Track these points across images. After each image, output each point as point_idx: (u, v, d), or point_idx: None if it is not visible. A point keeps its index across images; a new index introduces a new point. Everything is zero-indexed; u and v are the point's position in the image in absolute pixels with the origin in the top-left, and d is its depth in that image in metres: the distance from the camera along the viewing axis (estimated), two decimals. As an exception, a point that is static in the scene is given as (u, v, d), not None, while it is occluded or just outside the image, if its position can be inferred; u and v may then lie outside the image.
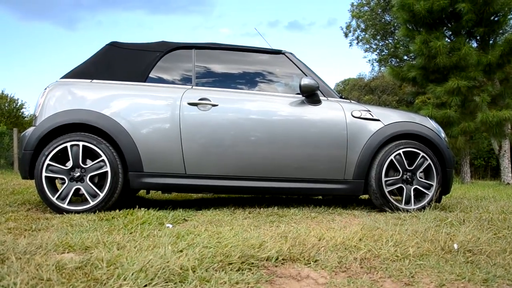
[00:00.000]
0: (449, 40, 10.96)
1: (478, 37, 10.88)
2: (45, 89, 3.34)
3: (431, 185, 3.46)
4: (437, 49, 9.87)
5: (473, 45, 10.67)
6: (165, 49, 3.51)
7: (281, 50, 3.64)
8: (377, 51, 23.74)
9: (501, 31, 11.24)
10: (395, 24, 19.35)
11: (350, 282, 1.61)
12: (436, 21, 10.54)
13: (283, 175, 3.34)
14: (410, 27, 11.07)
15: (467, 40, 10.60)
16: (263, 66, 3.71)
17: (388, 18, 21.37)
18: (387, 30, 21.69)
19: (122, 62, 3.50)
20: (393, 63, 22.10)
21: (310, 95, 3.41)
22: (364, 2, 22.32)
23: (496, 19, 10.42)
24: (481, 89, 10.42)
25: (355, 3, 23.22)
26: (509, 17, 10.49)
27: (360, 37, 23.44)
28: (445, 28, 11.04)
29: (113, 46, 3.57)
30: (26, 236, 2.25)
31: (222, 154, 3.27)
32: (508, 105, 10.14)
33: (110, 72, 3.45)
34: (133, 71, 3.43)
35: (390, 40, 22.72)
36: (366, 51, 24.23)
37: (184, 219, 2.91)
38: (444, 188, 3.56)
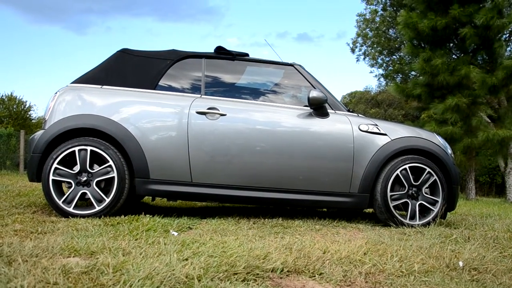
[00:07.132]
0: (455, 57, 10.96)
1: (482, 57, 10.89)
2: (56, 93, 3.37)
3: (437, 201, 3.45)
4: (439, 67, 9.92)
5: (477, 64, 10.66)
6: (175, 57, 3.54)
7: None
8: (384, 66, 23.71)
9: (509, 51, 11.24)
10: (401, 41, 19.36)
11: (355, 297, 1.61)
12: (439, 39, 10.56)
13: (288, 187, 3.34)
14: (415, 44, 11.12)
15: (473, 58, 10.60)
16: (272, 77, 3.73)
17: (393, 34, 21.36)
18: (392, 47, 21.66)
19: (132, 69, 3.53)
20: (398, 79, 22.07)
21: (318, 108, 3.43)
22: (367, 17, 22.25)
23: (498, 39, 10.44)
24: (482, 108, 10.44)
25: (362, 13, 23.15)
26: (503, 38, 10.45)
27: (366, 52, 23.42)
28: (452, 44, 11.06)
29: (124, 53, 3.61)
30: (32, 239, 2.27)
31: (229, 164, 3.28)
32: (506, 125, 10.10)
33: (120, 79, 3.48)
34: (143, 79, 3.46)
35: (395, 56, 22.69)
36: (372, 66, 24.22)
37: (189, 227, 2.92)
38: (450, 205, 3.55)
